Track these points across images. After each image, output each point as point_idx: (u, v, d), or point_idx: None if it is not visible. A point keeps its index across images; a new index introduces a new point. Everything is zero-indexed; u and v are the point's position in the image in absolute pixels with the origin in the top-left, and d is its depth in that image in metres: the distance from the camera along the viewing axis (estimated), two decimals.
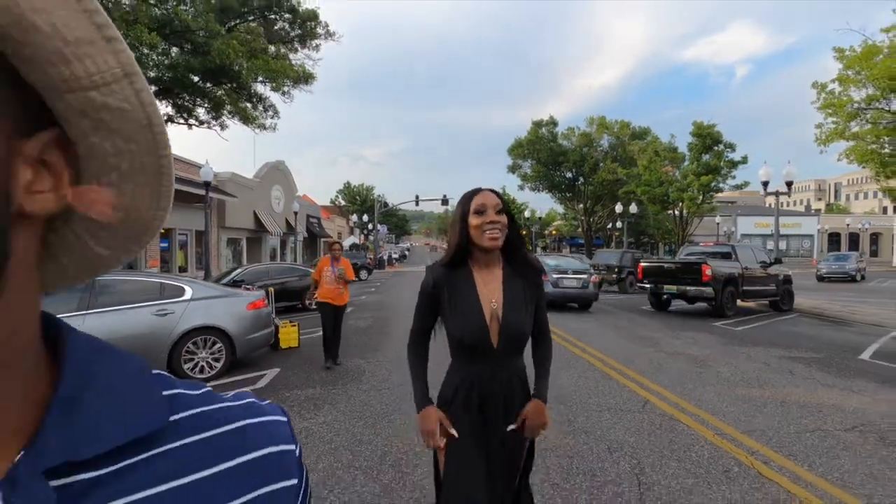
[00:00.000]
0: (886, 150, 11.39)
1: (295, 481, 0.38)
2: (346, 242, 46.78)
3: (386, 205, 52.25)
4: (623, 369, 6.28)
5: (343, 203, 66.19)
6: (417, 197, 38.75)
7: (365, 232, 45.74)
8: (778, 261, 13.78)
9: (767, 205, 46.86)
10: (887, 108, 10.82)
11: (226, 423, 0.37)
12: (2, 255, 0.27)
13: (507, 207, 1.66)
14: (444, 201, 39.81)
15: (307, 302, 13.05)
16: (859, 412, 4.68)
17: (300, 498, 0.39)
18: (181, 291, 6.08)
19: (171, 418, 0.35)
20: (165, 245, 18.44)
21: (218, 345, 6.14)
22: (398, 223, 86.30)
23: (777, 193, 17.38)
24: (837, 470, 3.41)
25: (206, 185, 15.02)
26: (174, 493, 0.32)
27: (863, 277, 26.47)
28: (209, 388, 0.40)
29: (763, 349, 7.77)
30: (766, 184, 16.33)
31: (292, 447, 0.39)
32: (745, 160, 22.93)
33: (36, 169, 0.29)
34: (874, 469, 3.42)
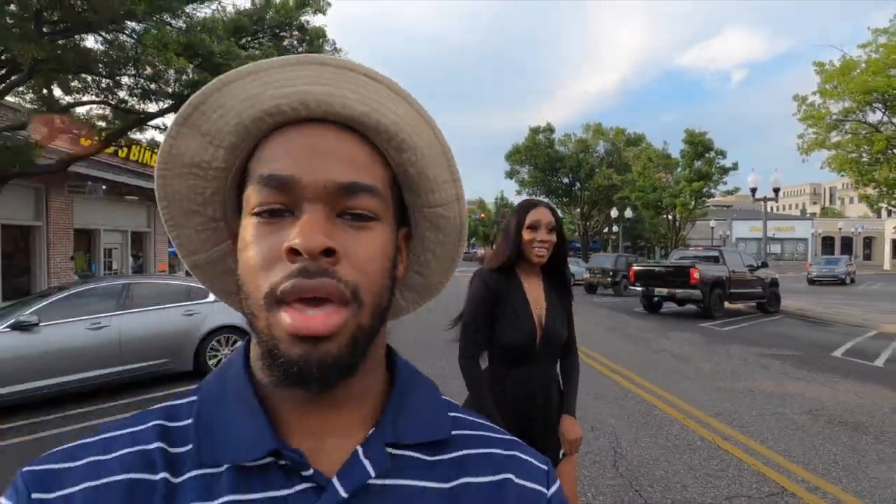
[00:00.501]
0: (865, 159, 11.98)
1: None
2: None
3: None
4: (611, 364, 6.84)
5: None
6: None
7: None
8: (764, 264, 14.36)
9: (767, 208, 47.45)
10: (863, 120, 11.45)
11: (504, 448, 0.47)
12: (391, 301, 0.43)
13: (560, 225, 1.75)
14: None
15: None
16: (817, 400, 5.25)
17: None
18: (206, 294, 6.62)
19: (453, 433, 0.45)
20: (173, 251, 18.98)
21: (239, 343, 6.67)
22: None
23: (765, 199, 17.99)
24: (785, 444, 3.98)
25: None
26: (462, 487, 0.43)
27: (852, 280, 27.02)
28: (488, 422, 0.51)
29: (744, 347, 8.33)
30: (754, 190, 16.95)
31: (544, 490, 0.46)
32: (735, 167, 23.63)
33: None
34: (816, 443, 4.00)
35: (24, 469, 0.39)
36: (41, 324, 5.27)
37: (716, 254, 13.86)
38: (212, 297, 6.63)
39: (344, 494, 0.39)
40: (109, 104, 9.65)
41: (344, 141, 0.41)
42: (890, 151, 11.16)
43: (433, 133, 0.45)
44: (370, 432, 0.43)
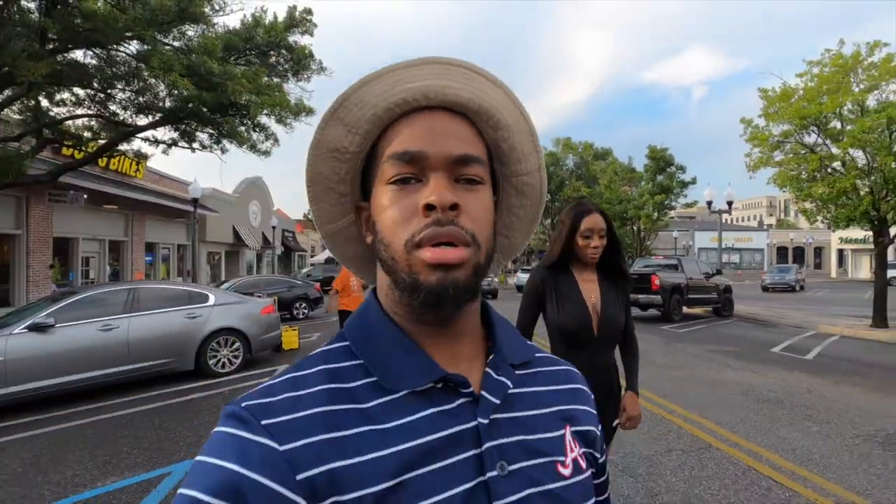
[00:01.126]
0: (803, 177, 13.23)
1: (594, 411, 0.61)
2: (322, 257, 47.31)
3: None
4: None
5: None
6: None
7: None
8: (719, 272, 15.55)
9: (725, 220, 49.87)
10: (801, 141, 12.73)
11: (563, 365, 0.62)
12: (495, 247, 0.54)
13: (612, 226, 1.91)
14: None
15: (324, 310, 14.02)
16: (751, 384, 6.12)
17: (596, 420, 0.60)
18: (206, 298, 7.08)
19: (536, 355, 0.59)
20: (150, 259, 18.97)
21: (237, 344, 7.14)
22: None
23: (720, 212, 19.40)
24: (718, 415, 4.81)
25: (194, 201, 15.74)
26: (547, 393, 0.56)
27: (802, 288, 28.74)
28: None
29: (697, 345, 9.25)
30: (709, 203, 18.32)
31: (588, 391, 0.62)
32: (693, 181, 25.20)
33: None
34: (742, 414, 4.85)
35: (242, 404, 0.45)
36: (56, 325, 5.66)
37: (675, 262, 14.91)
38: (211, 300, 7.10)
39: (496, 401, 0.50)
40: (103, 117, 9.95)
41: (455, 122, 0.51)
42: (824, 170, 12.41)
43: (520, 112, 0.55)
44: (490, 357, 0.54)
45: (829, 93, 11.56)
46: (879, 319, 11.33)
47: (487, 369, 0.53)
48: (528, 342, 0.61)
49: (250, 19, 10.88)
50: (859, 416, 4.80)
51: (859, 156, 11.60)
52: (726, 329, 12.02)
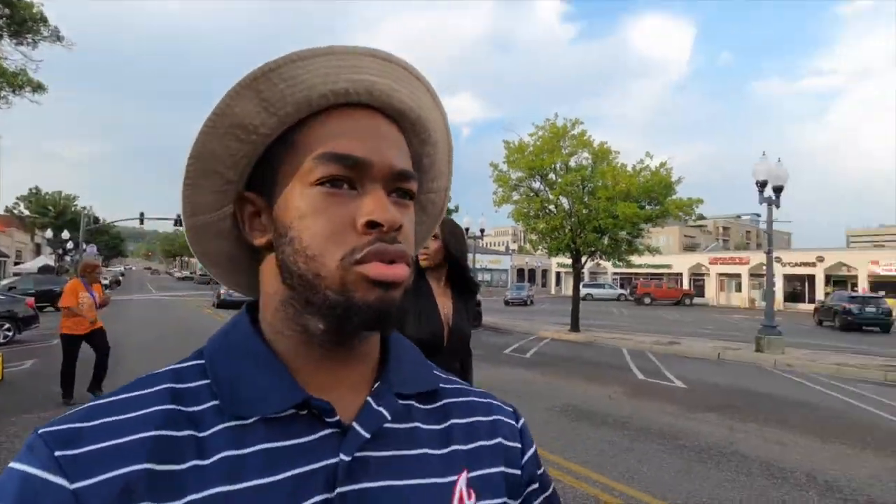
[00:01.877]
0: (532, 214, 16.71)
1: (519, 445, 0.53)
2: (35, 263, 36.90)
3: (97, 220, 43.34)
4: None
5: (27, 213, 51.80)
6: (143, 214, 32.17)
7: (60, 251, 36.52)
8: None
9: (481, 244, 58.05)
10: (530, 186, 16.15)
11: (479, 397, 0.55)
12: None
13: (444, 235, 1.96)
14: (178, 221, 35.39)
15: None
16: (485, 379, 7.57)
17: (524, 459, 0.53)
18: None
19: (441, 385, 0.52)
20: None
21: None
22: (110, 242, 71.37)
23: (475, 237, 22.94)
24: None
25: None
26: (443, 430, 0.49)
27: (532, 302, 35.29)
28: (459, 378, 0.58)
29: None
30: (467, 230, 21.52)
31: (515, 423, 0.54)
32: (457, 209, 29.12)
33: None
34: None
35: (40, 431, 0.38)
36: None
37: None
38: None
39: (366, 435, 0.43)
40: None
41: (392, 129, 0.47)
42: (544, 210, 15.99)
43: (446, 129, 0.54)
44: (376, 385, 0.47)
45: (547, 151, 15.08)
46: (574, 325, 15.18)
47: (369, 398, 0.46)
48: (435, 371, 0.54)
49: None
50: (550, 395, 6.53)
51: (565, 202, 15.42)
52: (475, 337, 14.13)
